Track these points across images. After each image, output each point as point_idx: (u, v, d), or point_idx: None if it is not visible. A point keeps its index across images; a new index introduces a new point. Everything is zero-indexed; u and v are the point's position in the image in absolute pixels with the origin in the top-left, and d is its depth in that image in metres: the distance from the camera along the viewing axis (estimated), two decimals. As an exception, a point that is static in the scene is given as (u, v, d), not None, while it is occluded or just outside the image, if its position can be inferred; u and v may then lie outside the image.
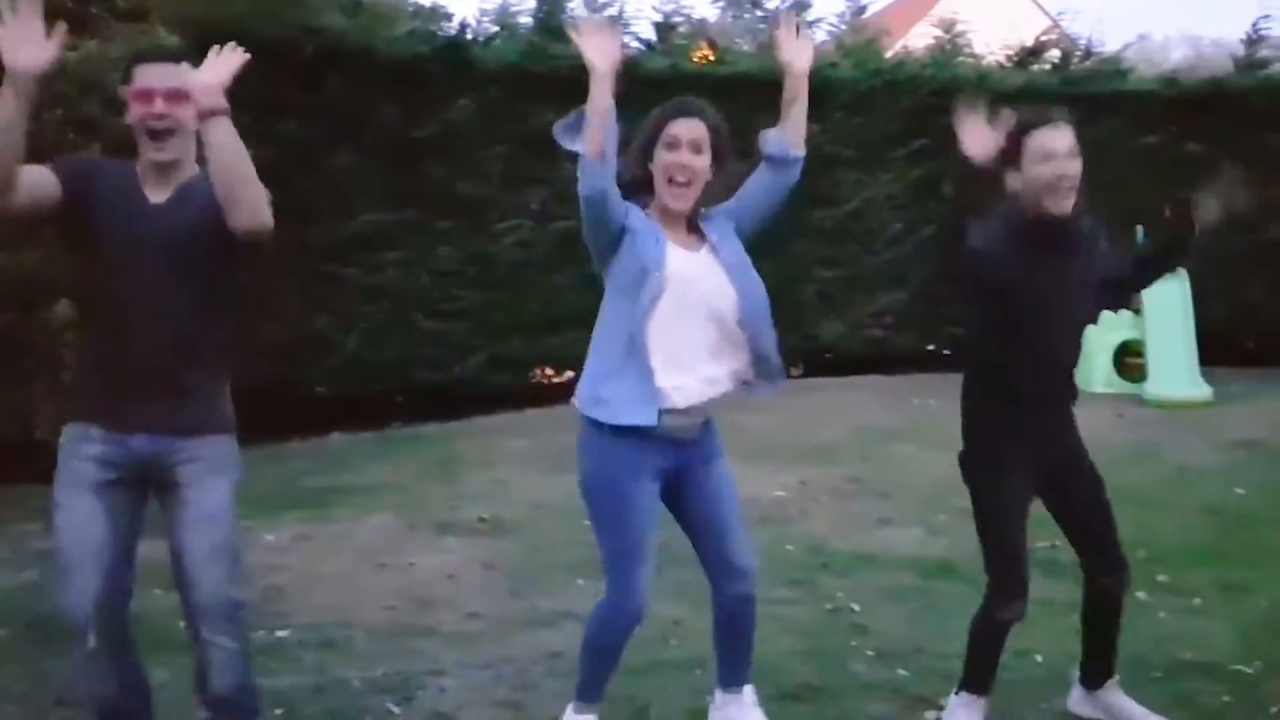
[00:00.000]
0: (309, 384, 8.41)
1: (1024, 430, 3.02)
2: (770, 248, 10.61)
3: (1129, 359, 9.39)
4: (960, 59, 10.83)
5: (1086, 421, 2.81)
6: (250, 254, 2.71)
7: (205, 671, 2.82)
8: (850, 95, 9.94)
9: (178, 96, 2.61)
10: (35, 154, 6.95)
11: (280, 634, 3.97)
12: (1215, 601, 4.23)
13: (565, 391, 10.08)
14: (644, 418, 2.73)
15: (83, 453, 2.68)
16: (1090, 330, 9.59)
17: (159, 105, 2.60)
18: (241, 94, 9.07)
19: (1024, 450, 3.01)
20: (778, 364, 2.90)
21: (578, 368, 10.85)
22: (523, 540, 5.09)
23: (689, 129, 2.86)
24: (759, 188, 3.02)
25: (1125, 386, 9.13)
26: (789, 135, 3.06)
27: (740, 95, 9.71)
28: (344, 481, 6.45)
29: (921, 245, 9.86)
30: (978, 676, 3.08)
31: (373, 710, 3.32)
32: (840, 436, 7.28)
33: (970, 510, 5.06)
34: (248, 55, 2.60)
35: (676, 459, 2.83)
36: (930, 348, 10.42)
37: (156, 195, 2.69)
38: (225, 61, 2.56)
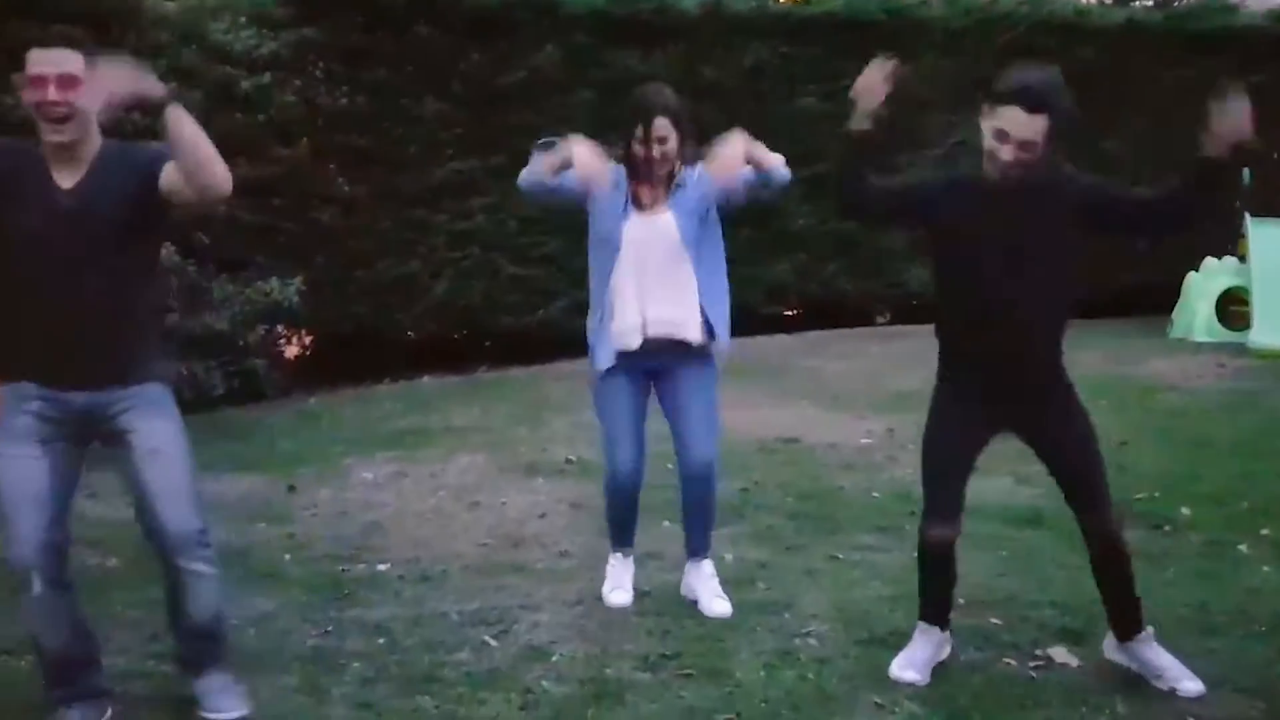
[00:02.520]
0: (399, 328, 8.58)
1: (972, 386, 3.08)
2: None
3: (1233, 307, 9.11)
4: (1057, -4, 10.51)
5: (1187, 370, 2.77)
6: (174, 225, 2.81)
7: (182, 601, 2.94)
8: (941, 35, 9.72)
9: (70, 81, 2.64)
10: (142, 106, 7.04)
11: (380, 567, 4.11)
12: (1318, 555, 4.13)
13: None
14: (607, 362, 3.58)
15: (23, 408, 2.78)
16: (1193, 277, 9.35)
17: (52, 92, 2.61)
18: (335, 43, 9.23)
19: (973, 406, 3.08)
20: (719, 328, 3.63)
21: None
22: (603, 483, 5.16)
23: (657, 128, 3.44)
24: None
25: (1228, 335, 8.88)
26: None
27: (824, 36, 9.61)
28: (434, 423, 6.59)
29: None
30: (926, 604, 3.22)
31: (470, 642, 3.42)
32: (928, 384, 7.21)
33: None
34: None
35: (652, 368, 3.60)
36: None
37: (66, 178, 2.72)
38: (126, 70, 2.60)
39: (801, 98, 9.57)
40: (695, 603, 3.69)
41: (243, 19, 7.72)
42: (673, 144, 3.46)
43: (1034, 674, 3.18)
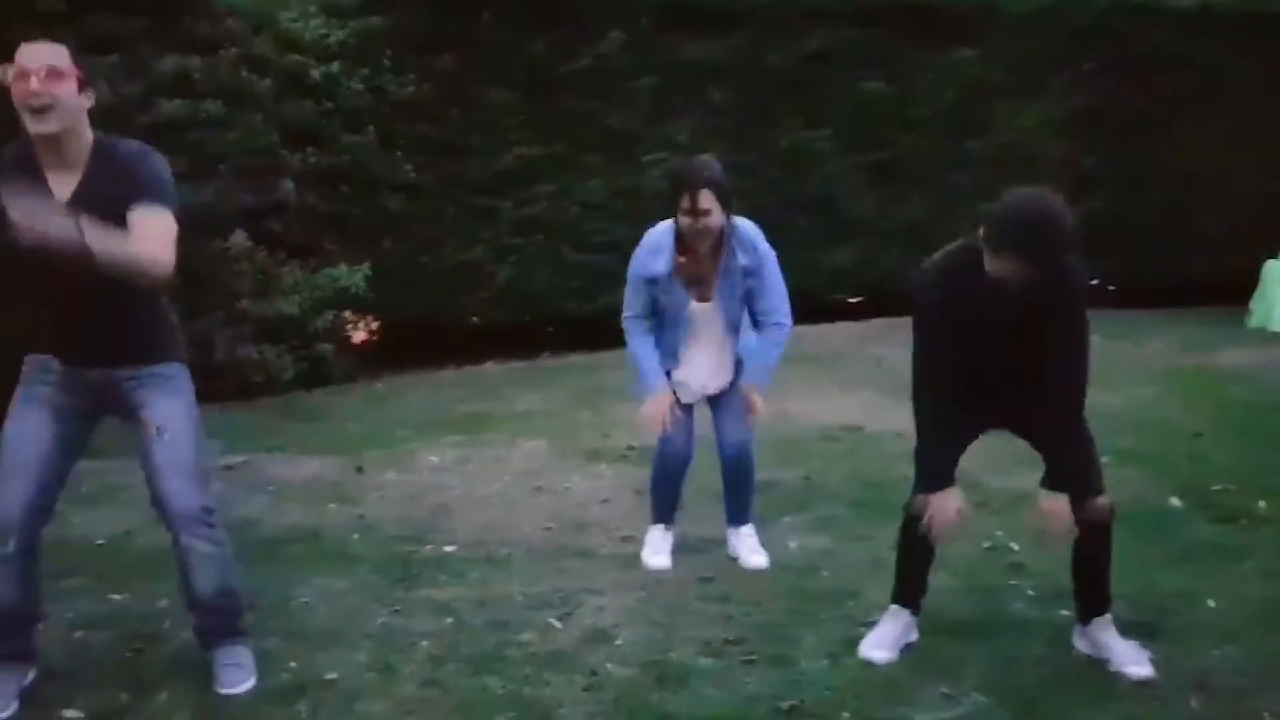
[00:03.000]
0: (463, 314, 8.65)
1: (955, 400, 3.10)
2: (920, 179, 10.40)
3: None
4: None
5: (1264, 361, 2.72)
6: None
7: (188, 577, 3.00)
8: (1010, 17, 9.56)
9: (54, 74, 2.67)
10: (211, 91, 7.19)
11: (447, 549, 4.17)
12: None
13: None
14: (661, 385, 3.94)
15: (44, 378, 2.88)
16: (1271, 265, 9.11)
17: (34, 83, 2.64)
18: (402, 31, 9.28)
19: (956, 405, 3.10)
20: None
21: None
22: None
23: (701, 200, 3.64)
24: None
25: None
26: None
27: (890, 20, 9.47)
28: (498, 409, 6.65)
29: (1085, 176, 9.48)
30: (900, 584, 3.29)
31: (535, 624, 3.46)
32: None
33: (1133, 453, 4.96)
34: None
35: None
36: (1093, 282, 10.05)
37: (60, 183, 2.75)
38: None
39: (866, 82, 9.47)
40: (736, 559, 4.05)
41: (312, 8, 7.82)
42: (716, 217, 3.68)
43: (1108, 670, 3.14)
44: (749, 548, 4.05)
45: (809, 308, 9.48)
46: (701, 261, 3.81)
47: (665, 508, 4.11)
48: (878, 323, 9.22)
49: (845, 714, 2.90)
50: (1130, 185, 9.91)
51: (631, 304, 3.89)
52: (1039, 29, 9.55)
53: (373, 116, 7.95)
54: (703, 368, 3.95)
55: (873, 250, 9.69)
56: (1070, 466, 3.06)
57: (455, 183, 8.35)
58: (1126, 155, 9.83)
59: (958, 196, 9.26)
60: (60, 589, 3.64)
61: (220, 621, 3.10)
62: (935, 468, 3.14)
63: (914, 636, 3.30)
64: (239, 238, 6.86)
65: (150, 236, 2.67)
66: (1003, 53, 9.55)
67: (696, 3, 8.87)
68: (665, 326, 3.91)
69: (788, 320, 3.93)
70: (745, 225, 3.82)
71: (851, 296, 10.07)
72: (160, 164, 2.81)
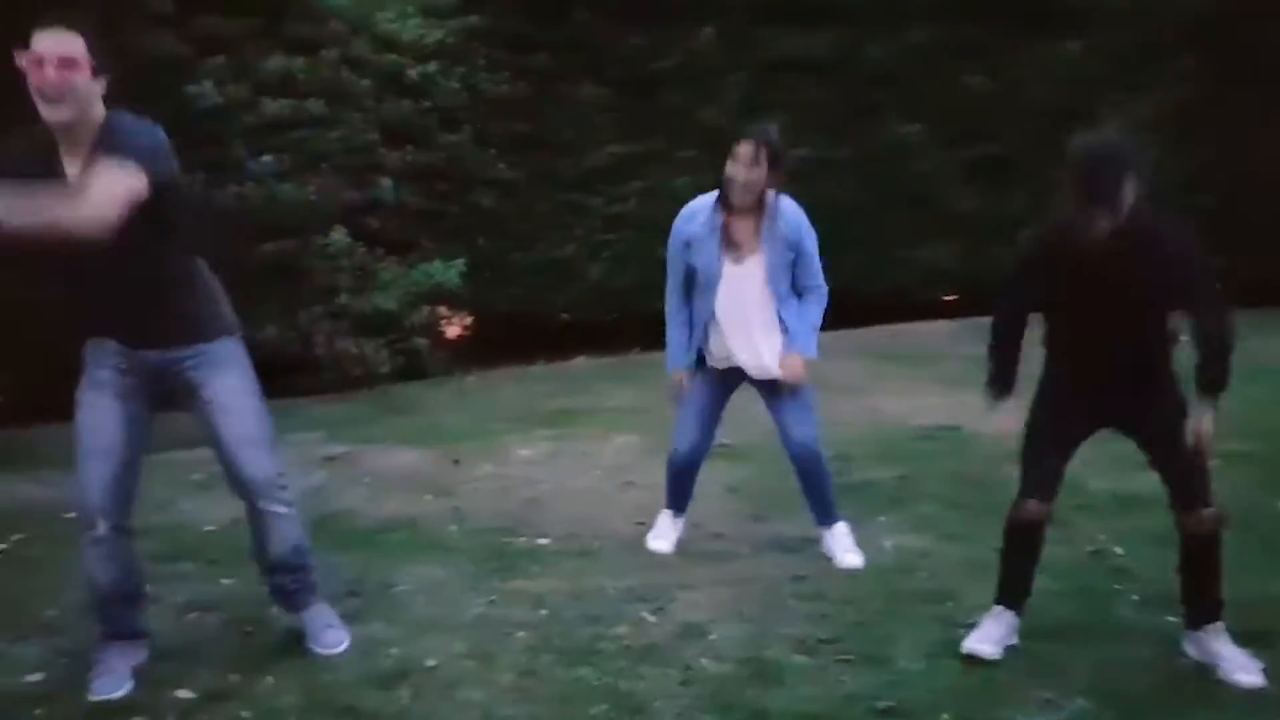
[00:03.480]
0: (554, 309, 8.73)
1: (1075, 388, 3.12)
2: (1021, 174, 10.14)
3: None
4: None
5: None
6: (173, 195, 2.79)
7: (265, 539, 3.14)
8: (1116, 9, 9.31)
9: (68, 63, 2.69)
10: (314, 90, 7.33)
11: (540, 541, 4.21)
12: None
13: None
14: (686, 361, 3.99)
15: (106, 362, 2.95)
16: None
17: (50, 72, 2.68)
18: (497, 30, 9.34)
19: (1069, 394, 3.12)
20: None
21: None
22: (762, 467, 5.15)
23: (745, 150, 3.68)
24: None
25: None
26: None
27: (992, 12, 9.28)
28: (588, 404, 6.69)
29: (1193, 173, 9.19)
30: (1003, 586, 3.24)
31: (628, 617, 3.48)
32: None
33: (1243, 455, 4.82)
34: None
35: (737, 372, 3.93)
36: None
37: (72, 163, 2.78)
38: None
39: (967, 76, 9.31)
40: (832, 560, 3.99)
41: (410, 8, 7.97)
42: (762, 173, 3.67)
43: (1215, 676, 3.04)
44: (843, 547, 3.99)
45: (904, 304, 9.43)
46: (742, 222, 3.78)
47: (674, 496, 4.16)
48: (974, 321, 9.04)
49: (945, 716, 2.85)
50: (1240, 182, 9.57)
51: (671, 278, 3.92)
52: (1144, 21, 9.28)
53: (468, 115, 8.08)
54: (737, 336, 3.86)
55: (971, 247, 9.52)
56: (1178, 474, 3.01)
57: (547, 179, 8.44)
58: (1235, 151, 9.50)
59: (1059, 192, 9.03)
60: (172, 573, 3.78)
61: (300, 579, 3.25)
62: (1039, 475, 3.14)
63: (1014, 640, 3.24)
64: (339, 234, 7.02)
65: (92, 194, 2.62)
66: (1107, 46, 9.30)
67: (788, -3, 8.83)
68: (700, 293, 3.86)
69: (825, 286, 3.94)
70: (790, 202, 3.82)
71: (948, 294, 9.90)
72: (147, 131, 2.80)
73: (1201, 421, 2.92)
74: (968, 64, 9.29)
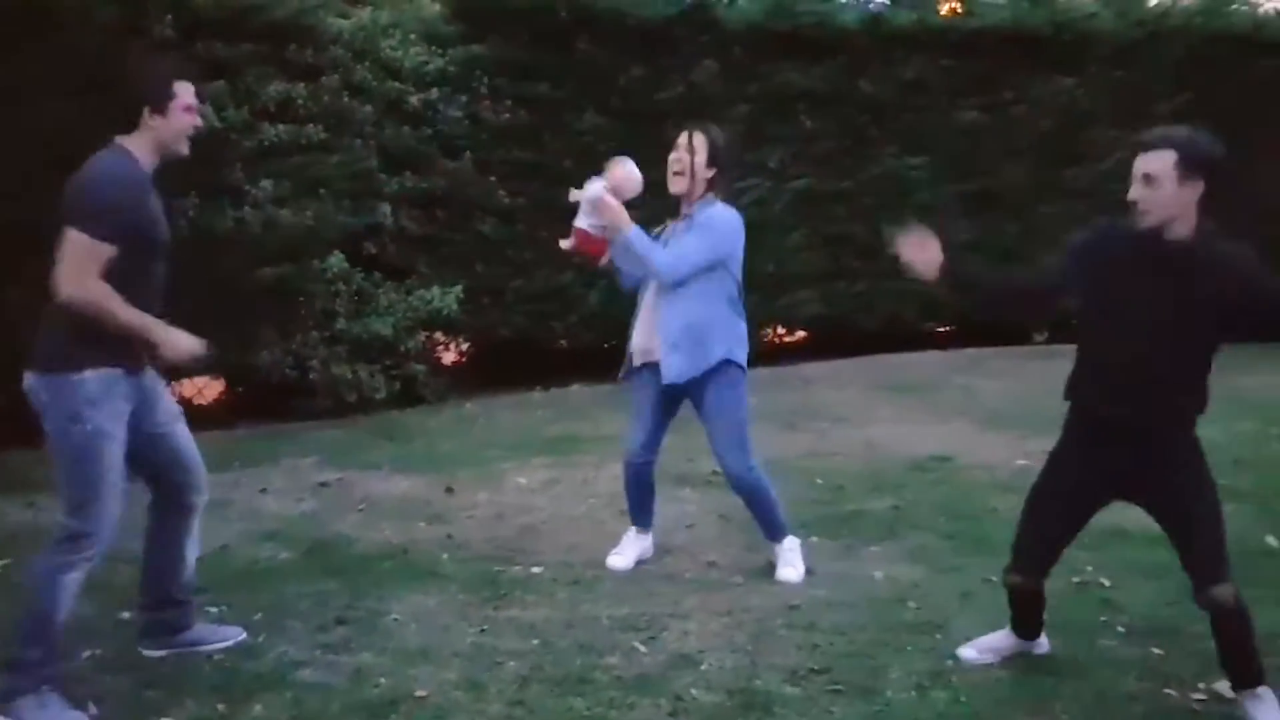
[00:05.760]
0: (552, 337, 8.75)
1: (1088, 434, 3.07)
2: (1016, 208, 10.21)
3: None
4: (1234, 7, 10.03)
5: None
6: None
7: (185, 548, 3.43)
8: (1109, 47, 9.41)
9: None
10: (314, 116, 7.40)
11: (534, 570, 4.22)
12: None
13: (797, 350, 10.09)
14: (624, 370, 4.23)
15: (119, 393, 3.05)
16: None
17: (198, 116, 3.17)
18: (500, 59, 9.40)
19: (1086, 452, 3.08)
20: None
21: (810, 326, 10.87)
22: (758, 495, 5.18)
23: (681, 140, 3.95)
24: None
25: None
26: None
27: (988, 49, 9.41)
28: (585, 431, 6.71)
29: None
30: (1014, 625, 3.35)
31: (620, 646, 3.49)
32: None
33: (1231, 490, 4.83)
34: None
35: (676, 387, 4.03)
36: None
37: None
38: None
39: (963, 111, 9.40)
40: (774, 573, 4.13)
41: (412, 36, 8.04)
42: (700, 162, 3.91)
43: (1196, 707, 3.07)
44: (784, 561, 4.14)
45: (899, 336, 9.47)
46: (682, 218, 3.99)
47: (632, 509, 4.28)
48: (968, 352, 9.11)
49: (931, 748, 2.87)
50: (1233, 217, 9.64)
51: None
52: (1137, 59, 9.38)
53: (470, 143, 8.12)
54: (642, 330, 4.07)
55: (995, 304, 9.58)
56: (1196, 548, 2.96)
57: (548, 208, 8.46)
58: (1229, 189, 9.56)
59: (1054, 225, 9.09)
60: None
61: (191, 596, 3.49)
62: (1029, 547, 3.17)
63: (1039, 650, 3.38)
64: (337, 259, 7.06)
65: (59, 264, 2.93)
66: (1100, 82, 9.40)
67: (791, 31, 8.90)
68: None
69: (669, 269, 3.92)
70: (725, 208, 3.98)
71: (942, 325, 9.95)
72: (87, 183, 2.99)
73: None
74: (964, 99, 9.37)
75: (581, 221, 4.01)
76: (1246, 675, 2.99)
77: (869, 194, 9.27)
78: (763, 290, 9.02)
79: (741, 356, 4.03)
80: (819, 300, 9.26)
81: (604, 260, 4.08)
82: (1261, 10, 10.25)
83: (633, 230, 3.92)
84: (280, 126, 6.90)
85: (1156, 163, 2.87)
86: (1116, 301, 2.97)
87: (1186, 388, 2.99)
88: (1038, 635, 3.38)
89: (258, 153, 6.80)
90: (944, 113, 9.36)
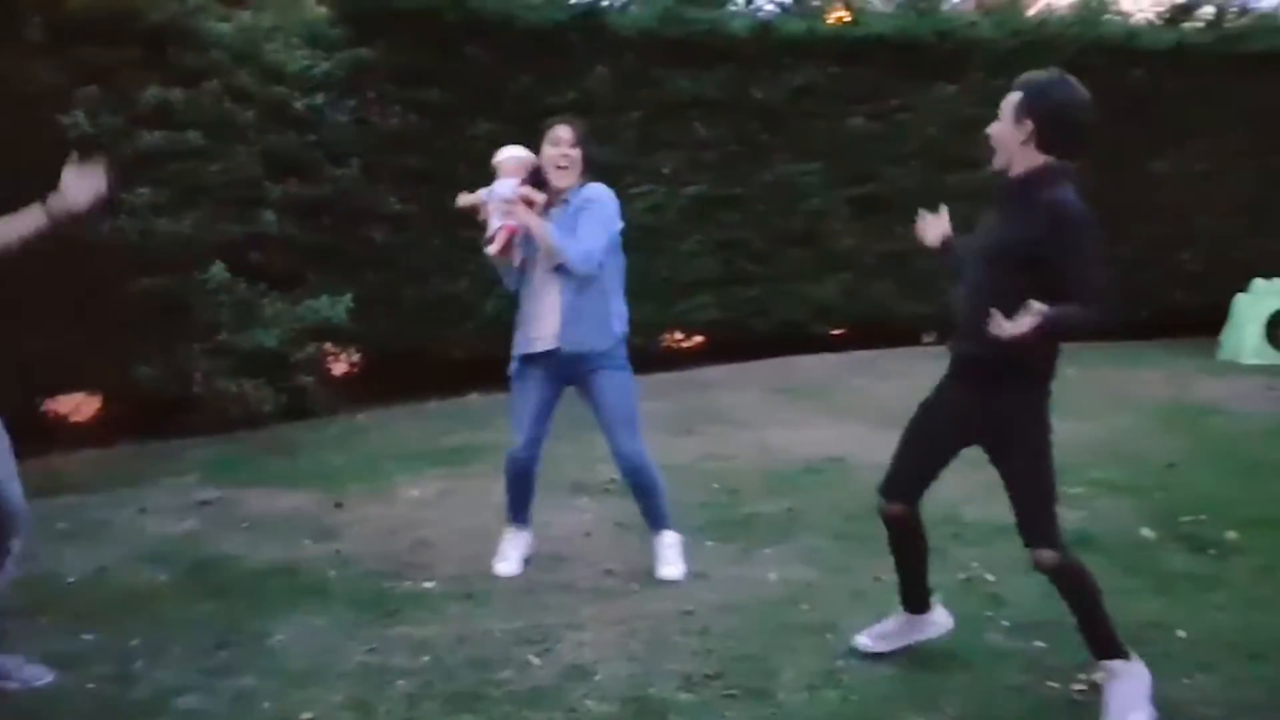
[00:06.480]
0: (448, 346, 8.64)
1: (949, 370, 3.21)
2: (904, 213, 10.38)
3: (1280, 329, 9.00)
4: (1107, 16, 10.41)
5: (1235, 392, 2.73)
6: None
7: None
8: (989, 56, 9.68)
9: None
10: (193, 122, 7.23)
11: (426, 585, 4.14)
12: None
13: (695, 355, 10.13)
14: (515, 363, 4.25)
15: None
16: (1241, 298, 9.21)
17: None
18: (388, 63, 9.25)
19: (946, 387, 3.20)
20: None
21: (707, 331, 10.93)
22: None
23: (564, 131, 4.06)
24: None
25: (1276, 357, 8.76)
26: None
27: (874, 57, 9.61)
28: (482, 441, 6.61)
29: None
30: (899, 584, 3.41)
31: (514, 660, 3.45)
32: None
33: (1109, 483, 4.99)
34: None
35: (565, 373, 4.12)
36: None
37: None
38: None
39: (851, 118, 9.56)
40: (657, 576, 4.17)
41: (296, 39, 7.85)
42: (573, 153, 4.03)
43: (1077, 698, 3.15)
44: (664, 559, 4.18)
45: (795, 339, 9.59)
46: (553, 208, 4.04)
47: (512, 505, 4.31)
48: (862, 354, 9.27)
49: (822, 749, 2.90)
50: (1108, 220, 9.99)
51: None
52: (1018, 66, 9.64)
53: (358, 148, 7.97)
54: (538, 317, 4.08)
55: (858, 282, 9.75)
56: (1024, 510, 3.03)
57: (440, 215, 8.35)
58: (1105, 190, 9.90)
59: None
60: (32, 628, 3.61)
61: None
62: (891, 472, 3.28)
63: (928, 634, 3.40)
64: (219, 269, 6.85)
65: None
66: (983, 89, 9.65)
67: (683, 38, 8.95)
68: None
69: (581, 254, 3.96)
70: (598, 185, 4.08)
71: (836, 328, 10.11)
72: None
73: (1021, 320, 2.75)
74: (851, 106, 9.54)
75: (497, 221, 4.05)
76: (1095, 644, 3.04)
77: (762, 200, 9.38)
78: (660, 295, 9.06)
79: (625, 333, 4.20)
80: (715, 305, 9.32)
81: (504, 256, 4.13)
82: (1133, 20, 10.66)
83: (545, 226, 3.96)
84: (158, 133, 6.68)
85: (1006, 101, 3.06)
86: (970, 238, 3.18)
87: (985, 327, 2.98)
88: (926, 606, 3.38)
89: (134, 160, 6.58)
90: (833, 119, 9.52)
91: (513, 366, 4.23)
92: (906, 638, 3.39)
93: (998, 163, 3.08)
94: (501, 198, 4.02)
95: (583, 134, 4.10)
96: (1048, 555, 3.01)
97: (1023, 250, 2.92)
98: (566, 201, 4.06)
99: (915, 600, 3.39)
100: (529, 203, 4.01)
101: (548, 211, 4.07)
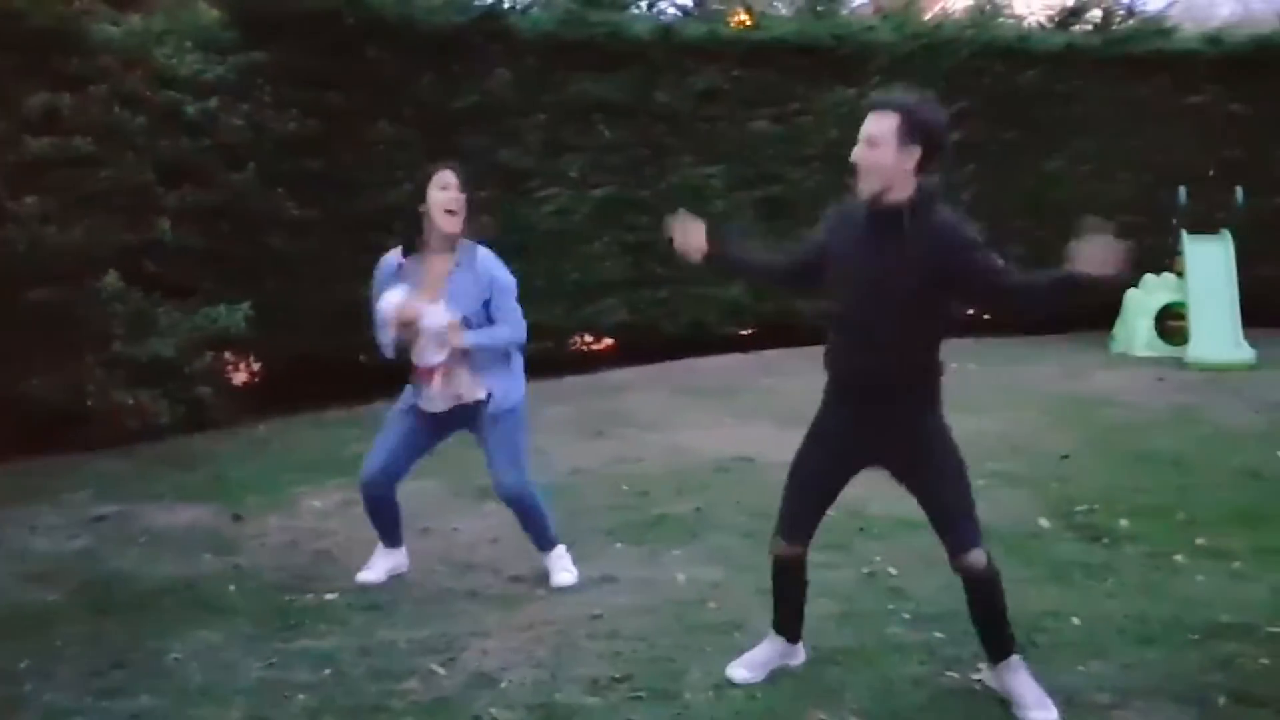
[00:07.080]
0: (352, 352, 8.49)
1: (837, 398, 3.15)
2: (806, 214, 10.48)
3: (1171, 322, 9.30)
4: (1000, 20, 10.70)
5: (1127, 385, 2.83)
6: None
7: None
8: (888, 58, 9.87)
9: None
10: (82, 128, 7.04)
11: (328, 597, 4.07)
12: (1254, 564, 4.21)
13: (604, 358, 10.12)
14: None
15: None
16: (1132, 293, 9.53)
17: None
18: (284, 66, 9.09)
19: (837, 416, 3.14)
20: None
21: (615, 334, 10.91)
22: (562, 506, 5.13)
23: (451, 175, 3.96)
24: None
25: (1167, 349, 9.06)
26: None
27: (776, 60, 9.73)
28: (387, 448, 6.52)
29: (961, 209, 9.79)
30: (776, 614, 3.34)
31: (418, 671, 3.40)
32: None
33: (1007, 475, 5.12)
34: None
35: (456, 421, 4.12)
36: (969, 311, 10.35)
37: None
38: None
39: (753, 121, 9.66)
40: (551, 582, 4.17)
41: (188, 43, 7.66)
42: (462, 198, 3.95)
43: (975, 687, 3.22)
44: (558, 568, 4.20)
45: (703, 340, 9.65)
46: (432, 261, 4.00)
47: (383, 534, 4.28)
48: (769, 354, 9.36)
49: (728, 747, 2.91)
50: (1003, 216, 10.27)
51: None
52: (913, 69, 9.86)
53: (254, 153, 7.79)
54: (446, 380, 4.03)
55: (764, 284, 9.84)
56: (946, 517, 3.05)
57: (341, 219, 8.23)
58: (998, 189, 10.18)
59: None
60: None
61: None
62: (790, 515, 3.21)
63: (796, 660, 3.35)
64: (111, 278, 6.64)
65: None
66: (880, 92, 9.83)
67: (585, 41, 8.95)
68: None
69: (521, 336, 4.07)
70: (486, 251, 4.04)
71: (743, 329, 10.20)
72: None
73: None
74: (753, 109, 9.65)
75: (436, 358, 3.98)
76: (1000, 645, 3.09)
77: (668, 202, 9.38)
78: (568, 299, 9.05)
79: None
80: (624, 307, 9.33)
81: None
82: (1025, 23, 10.97)
83: (474, 337, 3.96)
84: (45, 139, 6.46)
85: (879, 125, 2.91)
86: (850, 267, 3.03)
87: (915, 348, 3.02)
88: (798, 636, 3.35)
89: (20, 167, 6.35)
90: (736, 122, 9.61)
91: (405, 402, 4.18)
92: (779, 662, 3.33)
93: (869, 189, 2.95)
94: (436, 330, 3.93)
95: (466, 178, 4.03)
96: (982, 555, 3.01)
97: (933, 276, 2.90)
98: (459, 264, 3.99)
99: (792, 631, 3.34)
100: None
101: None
